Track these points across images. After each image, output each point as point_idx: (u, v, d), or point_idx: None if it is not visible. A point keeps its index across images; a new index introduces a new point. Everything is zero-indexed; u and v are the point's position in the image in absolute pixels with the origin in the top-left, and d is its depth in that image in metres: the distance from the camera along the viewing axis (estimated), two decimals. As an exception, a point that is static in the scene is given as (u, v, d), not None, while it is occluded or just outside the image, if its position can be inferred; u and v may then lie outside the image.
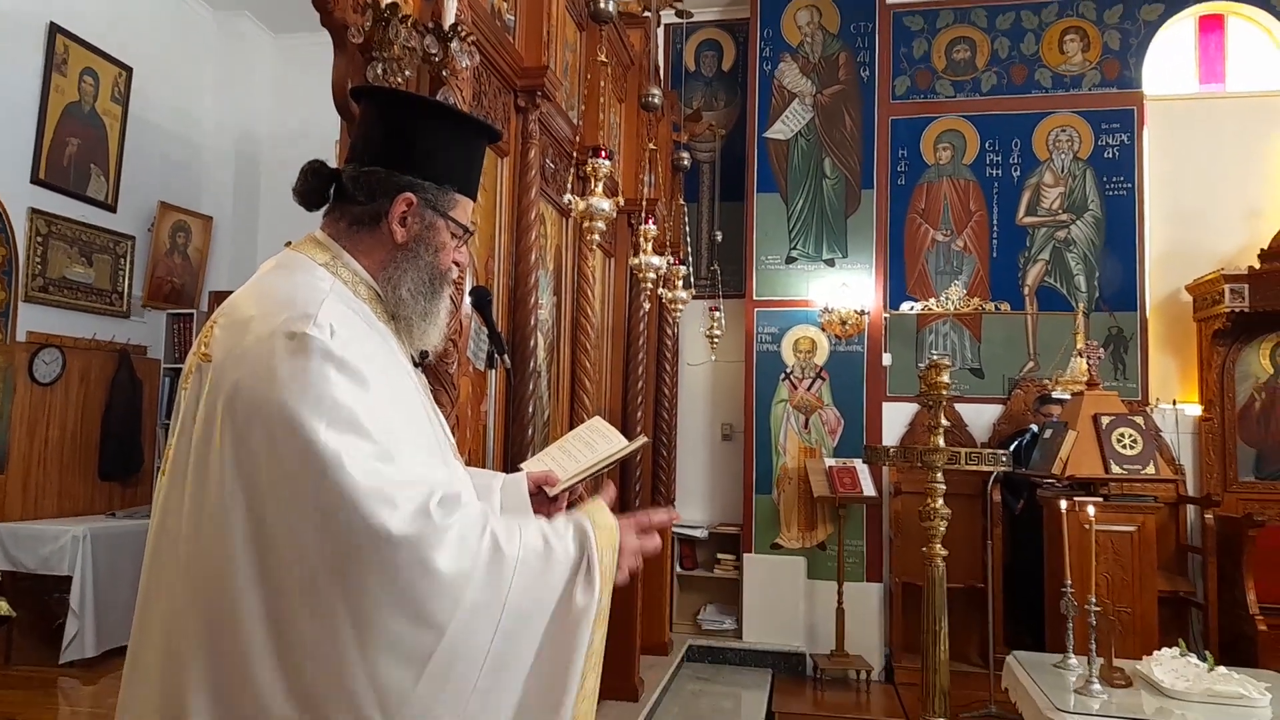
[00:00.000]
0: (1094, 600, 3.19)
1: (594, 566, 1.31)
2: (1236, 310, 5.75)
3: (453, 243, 1.47)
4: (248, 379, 1.21)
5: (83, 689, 4.83)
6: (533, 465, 1.70)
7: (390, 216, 1.40)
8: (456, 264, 1.50)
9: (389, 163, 1.41)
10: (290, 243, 1.47)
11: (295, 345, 1.21)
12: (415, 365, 1.48)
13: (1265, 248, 5.94)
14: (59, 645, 4.97)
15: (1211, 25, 6.63)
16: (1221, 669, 3.12)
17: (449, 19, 2.29)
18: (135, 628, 1.30)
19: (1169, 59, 6.62)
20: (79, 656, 4.95)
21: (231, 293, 1.41)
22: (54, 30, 5.57)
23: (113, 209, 6.11)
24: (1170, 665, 3.19)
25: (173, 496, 1.27)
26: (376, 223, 1.40)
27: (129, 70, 6.17)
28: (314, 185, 1.44)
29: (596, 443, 1.72)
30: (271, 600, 1.17)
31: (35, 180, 5.49)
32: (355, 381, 1.22)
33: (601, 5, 3.24)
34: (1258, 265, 5.85)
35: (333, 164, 1.51)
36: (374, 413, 1.22)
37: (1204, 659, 3.20)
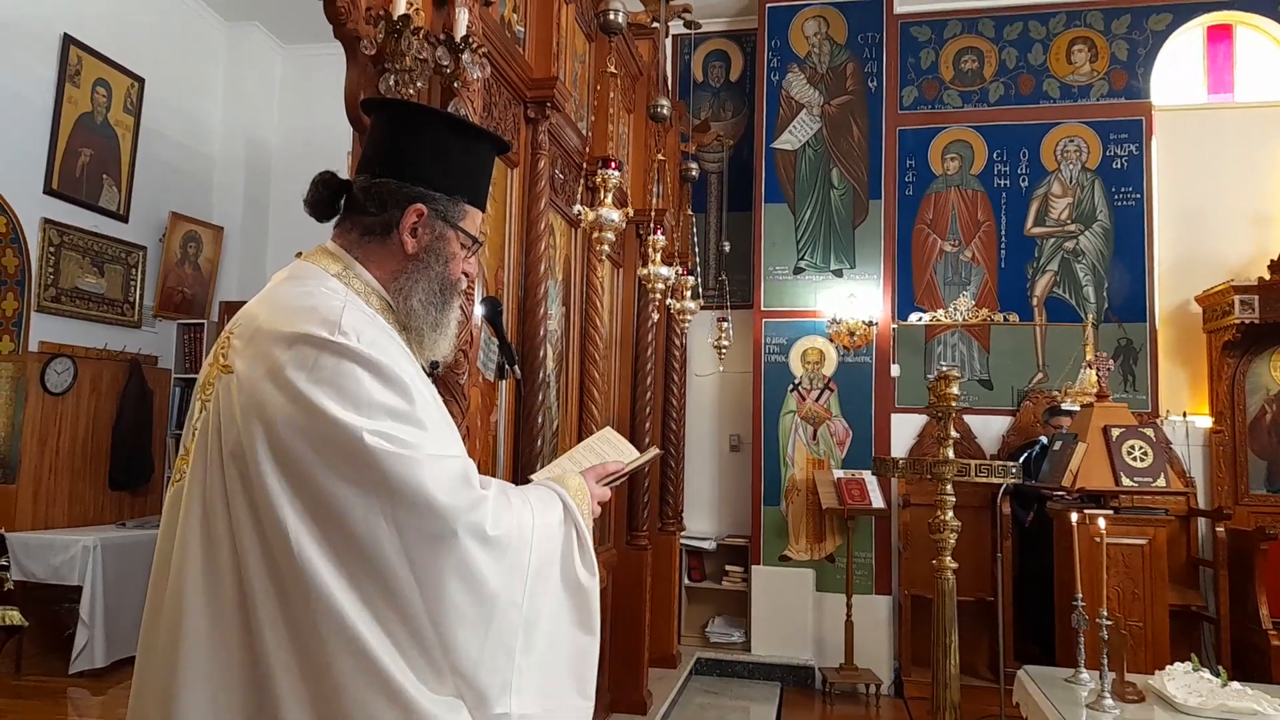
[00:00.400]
0: (1105, 614, 3.17)
1: (579, 524, 1.46)
2: (1246, 321, 5.73)
3: (462, 253, 1.49)
4: (278, 389, 1.23)
5: (92, 699, 4.84)
6: (542, 476, 1.70)
7: (401, 227, 1.41)
8: (466, 274, 1.51)
9: (400, 174, 1.42)
10: (301, 253, 1.47)
11: (323, 351, 1.24)
12: (427, 375, 1.48)
13: (1275, 258, 5.91)
14: (68, 655, 4.98)
15: (1219, 35, 6.63)
16: (1235, 684, 3.09)
17: (460, 31, 2.30)
18: (144, 636, 1.29)
19: (1177, 69, 6.61)
20: (88, 666, 4.96)
21: (243, 303, 1.43)
22: (67, 41, 5.62)
23: (124, 219, 6.14)
24: (1183, 680, 3.17)
25: (192, 508, 1.27)
26: (387, 233, 1.42)
27: (141, 81, 6.22)
28: (324, 196, 1.45)
29: (607, 454, 1.72)
30: (342, 589, 1.20)
31: (48, 191, 5.53)
32: (386, 380, 1.26)
33: (611, 17, 3.26)
34: (1268, 276, 5.83)
35: (344, 175, 1.52)
36: (405, 403, 1.27)
37: (1217, 674, 3.17)
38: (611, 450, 1.72)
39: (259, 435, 1.22)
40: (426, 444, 1.26)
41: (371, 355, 1.25)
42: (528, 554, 1.33)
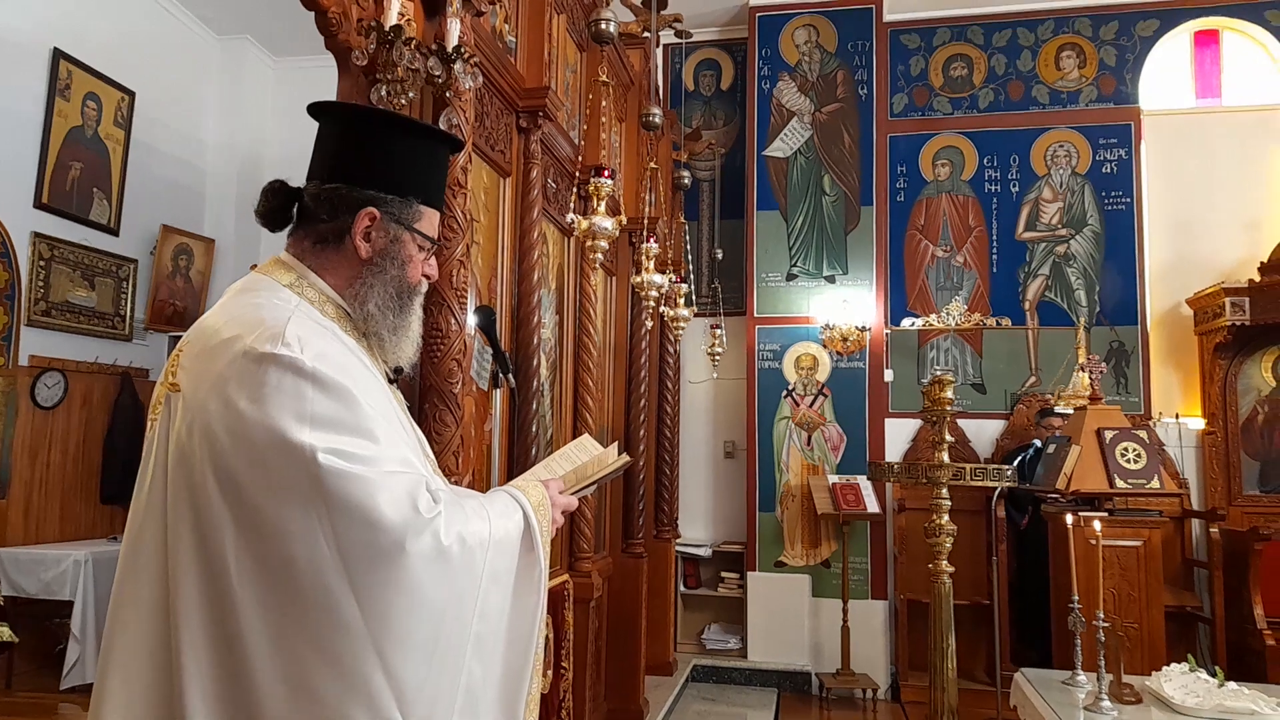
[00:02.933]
0: (1101, 615, 3.17)
1: (536, 542, 1.43)
2: (1237, 323, 5.75)
3: (420, 255, 1.46)
4: (221, 405, 1.21)
5: (84, 714, 4.79)
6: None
7: (354, 232, 1.39)
8: (427, 276, 1.49)
9: (350, 178, 1.40)
10: (255, 265, 1.46)
11: (265, 365, 1.21)
12: (390, 381, 1.46)
13: (1265, 260, 5.94)
14: (60, 670, 4.95)
15: (1206, 40, 6.68)
16: (1232, 684, 3.09)
17: (452, 41, 2.30)
18: (103, 657, 1.29)
19: (1165, 74, 6.66)
20: (80, 682, 4.92)
21: None
22: (57, 55, 5.61)
23: (115, 232, 6.13)
24: (1180, 681, 3.17)
25: (148, 527, 1.26)
26: (341, 240, 1.40)
27: (132, 95, 6.21)
28: (276, 205, 1.43)
29: (583, 461, 1.71)
30: (272, 614, 1.18)
31: (38, 204, 5.52)
32: (330, 391, 1.23)
33: (602, 26, 3.27)
34: (1258, 278, 5.86)
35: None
36: (352, 415, 1.24)
37: (1213, 674, 3.17)
38: (586, 457, 1.72)
39: (205, 455, 1.21)
40: (379, 457, 1.23)
41: (314, 367, 1.22)
42: (480, 569, 1.30)
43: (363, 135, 1.43)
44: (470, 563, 1.28)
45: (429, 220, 1.47)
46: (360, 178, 1.40)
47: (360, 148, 1.42)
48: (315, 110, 1.49)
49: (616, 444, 1.81)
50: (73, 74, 5.74)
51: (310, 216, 1.41)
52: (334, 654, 1.17)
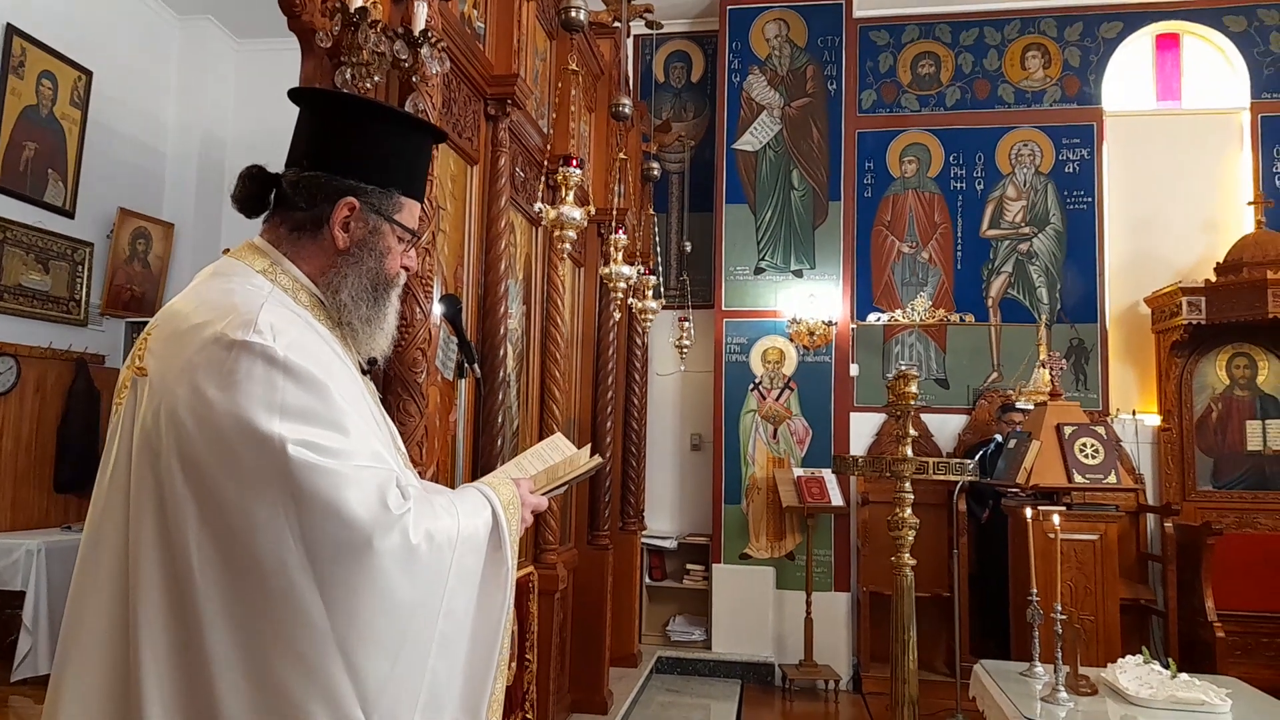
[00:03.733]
0: (1059, 608, 3.23)
1: (504, 541, 1.41)
2: (1194, 322, 5.87)
3: (400, 247, 1.44)
4: (190, 391, 1.18)
5: (35, 707, 4.70)
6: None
7: (332, 222, 1.37)
8: (405, 268, 1.47)
9: (330, 166, 1.38)
10: (228, 249, 1.43)
11: (237, 352, 1.19)
12: (364, 372, 1.44)
13: (1221, 261, 6.07)
14: (11, 662, 4.83)
15: (1168, 44, 6.79)
16: (1184, 675, 3.16)
17: (419, 25, 2.27)
18: (61, 649, 1.26)
19: (1127, 76, 6.76)
20: (32, 673, 4.82)
21: None
22: (10, 32, 5.45)
23: (71, 215, 5.97)
24: (1134, 672, 3.24)
25: (110, 515, 1.23)
26: (318, 228, 1.38)
27: (89, 74, 6.05)
28: (253, 191, 1.40)
29: (555, 460, 1.69)
30: (234, 608, 1.16)
31: (-10, 185, 5.36)
32: (302, 382, 1.20)
33: (573, 14, 3.24)
34: (1214, 278, 5.98)
35: None
36: (324, 406, 1.21)
37: (1167, 666, 3.24)
38: (559, 457, 1.70)
39: (171, 443, 1.18)
40: (350, 451, 1.20)
41: (286, 357, 1.20)
42: (447, 568, 1.29)
43: (344, 123, 1.41)
44: (438, 561, 1.27)
45: (409, 211, 1.45)
46: (341, 166, 1.38)
47: (342, 136, 1.40)
48: (296, 96, 1.46)
49: (589, 446, 1.80)
50: (27, 51, 5.58)
51: (288, 203, 1.38)
52: (296, 650, 1.15)
